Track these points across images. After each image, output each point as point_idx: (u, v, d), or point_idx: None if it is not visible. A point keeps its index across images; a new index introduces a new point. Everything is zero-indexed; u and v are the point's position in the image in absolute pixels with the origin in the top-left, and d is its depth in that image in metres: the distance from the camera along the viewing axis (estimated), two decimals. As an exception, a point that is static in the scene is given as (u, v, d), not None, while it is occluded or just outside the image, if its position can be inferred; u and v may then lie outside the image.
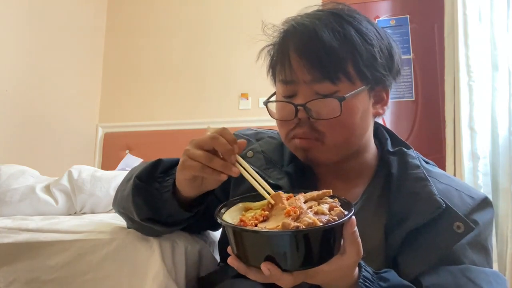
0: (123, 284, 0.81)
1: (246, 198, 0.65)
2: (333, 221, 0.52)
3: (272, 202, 0.59)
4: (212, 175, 0.63)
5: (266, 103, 0.81)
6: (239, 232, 0.54)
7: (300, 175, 0.82)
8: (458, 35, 2.24)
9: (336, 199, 0.60)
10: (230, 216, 0.59)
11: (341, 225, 0.54)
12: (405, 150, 0.80)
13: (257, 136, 0.91)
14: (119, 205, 0.84)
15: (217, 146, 0.62)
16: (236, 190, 0.82)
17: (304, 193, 0.62)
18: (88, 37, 3.24)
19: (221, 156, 0.63)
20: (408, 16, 2.92)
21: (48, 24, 2.80)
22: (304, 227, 0.51)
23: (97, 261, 0.83)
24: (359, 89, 0.73)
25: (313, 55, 0.71)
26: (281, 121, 0.78)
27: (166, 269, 0.79)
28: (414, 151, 0.83)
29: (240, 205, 0.63)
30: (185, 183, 0.68)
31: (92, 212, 1.43)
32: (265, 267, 0.51)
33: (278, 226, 0.51)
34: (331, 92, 0.72)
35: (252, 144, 0.88)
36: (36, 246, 0.87)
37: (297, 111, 0.73)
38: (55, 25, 2.86)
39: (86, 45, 3.21)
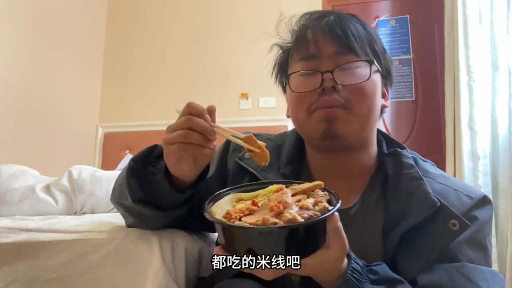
0: (123, 284, 0.81)
1: (239, 188, 0.66)
2: (315, 217, 0.53)
3: (247, 147, 0.64)
4: (196, 150, 0.65)
5: (288, 75, 0.82)
6: (219, 225, 0.55)
7: (296, 177, 0.82)
8: (458, 35, 2.24)
9: (327, 192, 0.60)
10: (220, 207, 0.60)
11: (324, 220, 0.54)
12: (400, 150, 0.81)
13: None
14: (115, 194, 0.84)
15: (194, 127, 0.64)
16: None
17: (298, 184, 0.63)
18: (88, 37, 3.25)
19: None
20: (408, 16, 2.92)
21: (48, 24, 2.80)
22: (282, 223, 0.51)
23: (97, 261, 0.83)
24: (378, 67, 0.78)
25: (339, 30, 0.76)
26: (303, 95, 0.77)
27: (166, 269, 0.79)
28: (409, 151, 0.83)
29: (231, 195, 0.63)
30: (177, 168, 0.69)
31: (92, 212, 1.43)
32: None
33: (258, 221, 0.52)
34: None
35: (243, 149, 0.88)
36: (36, 246, 0.87)
37: (323, 80, 0.74)
38: (55, 25, 2.86)
39: (86, 45, 3.21)
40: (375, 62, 0.77)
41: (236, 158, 0.85)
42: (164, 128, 0.67)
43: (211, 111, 0.66)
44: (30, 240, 0.88)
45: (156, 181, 0.73)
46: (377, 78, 0.78)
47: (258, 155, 0.66)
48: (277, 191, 0.61)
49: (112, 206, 1.43)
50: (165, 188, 0.72)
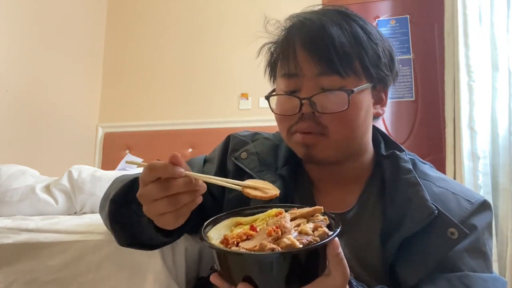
0: (124, 285, 0.81)
1: (238, 212, 0.63)
2: (314, 242, 0.50)
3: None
4: (191, 207, 0.59)
5: (268, 97, 0.79)
6: (216, 251, 0.52)
7: (294, 178, 0.80)
8: (458, 35, 2.24)
9: (327, 217, 0.58)
10: (218, 232, 0.57)
11: (324, 246, 0.51)
12: (398, 153, 0.78)
13: (253, 137, 0.90)
14: (103, 222, 0.80)
15: (178, 190, 0.56)
16: (231, 192, 0.81)
17: (298, 208, 0.60)
18: (88, 37, 3.24)
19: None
20: (408, 16, 2.92)
21: (48, 24, 2.80)
22: (279, 249, 0.49)
23: (97, 262, 0.83)
24: (365, 85, 0.73)
25: (322, 49, 0.70)
26: (283, 116, 0.76)
27: (167, 269, 0.79)
28: (408, 154, 0.81)
29: (230, 220, 0.61)
30: (174, 226, 0.62)
31: (92, 212, 1.42)
32: (240, 287, 0.50)
33: (256, 246, 0.50)
34: (338, 86, 0.71)
35: (247, 145, 0.87)
36: (36, 246, 0.87)
37: (301, 105, 0.71)
38: (55, 25, 2.86)
39: (86, 45, 3.21)
40: (356, 89, 0.71)
41: (233, 158, 0.84)
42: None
43: (177, 161, 0.56)
44: (30, 241, 0.88)
45: (141, 224, 0.68)
46: (362, 98, 0.73)
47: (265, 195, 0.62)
48: (276, 215, 0.58)
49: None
50: (151, 232, 0.67)
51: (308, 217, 0.58)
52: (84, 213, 1.42)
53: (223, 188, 0.81)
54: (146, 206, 0.59)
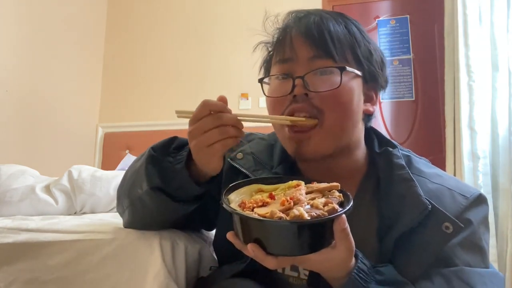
0: (123, 284, 0.81)
1: (262, 180, 0.68)
2: (322, 216, 0.54)
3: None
4: (234, 143, 0.65)
5: (261, 80, 0.81)
6: (231, 213, 0.58)
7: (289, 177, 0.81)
8: (458, 35, 2.24)
9: (341, 194, 0.61)
10: (239, 195, 0.62)
11: (330, 221, 0.55)
12: (390, 150, 0.79)
13: (248, 137, 0.91)
14: (127, 184, 0.81)
15: (226, 122, 0.64)
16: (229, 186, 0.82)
17: (317, 182, 0.64)
18: (88, 38, 3.25)
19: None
20: (408, 16, 2.92)
21: (48, 25, 2.80)
22: (286, 218, 0.53)
23: (97, 261, 0.83)
24: (356, 71, 0.75)
25: (317, 34, 0.73)
26: (275, 100, 0.76)
27: (167, 269, 0.79)
28: (401, 149, 0.82)
29: (252, 186, 0.65)
30: (217, 165, 0.69)
31: (92, 212, 1.43)
32: (250, 247, 0.55)
33: (267, 213, 0.54)
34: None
35: (242, 145, 0.87)
36: (36, 246, 0.87)
37: (294, 86, 0.72)
38: (55, 25, 2.86)
39: (86, 46, 3.21)
40: (348, 69, 0.73)
41: (228, 159, 0.84)
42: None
43: (225, 101, 0.66)
44: (30, 240, 0.88)
45: (175, 171, 0.72)
46: (354, 84, 0.74)
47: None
48: (295, 186, 0.62)
49: (112, 206, 1.43)
50: (184, 178, 0.72)
51: (325, 192, 0.61)
52: (84, 213, 1.43)
53: (218, 186, 0.81)
54: (196, 139, 0.66)
